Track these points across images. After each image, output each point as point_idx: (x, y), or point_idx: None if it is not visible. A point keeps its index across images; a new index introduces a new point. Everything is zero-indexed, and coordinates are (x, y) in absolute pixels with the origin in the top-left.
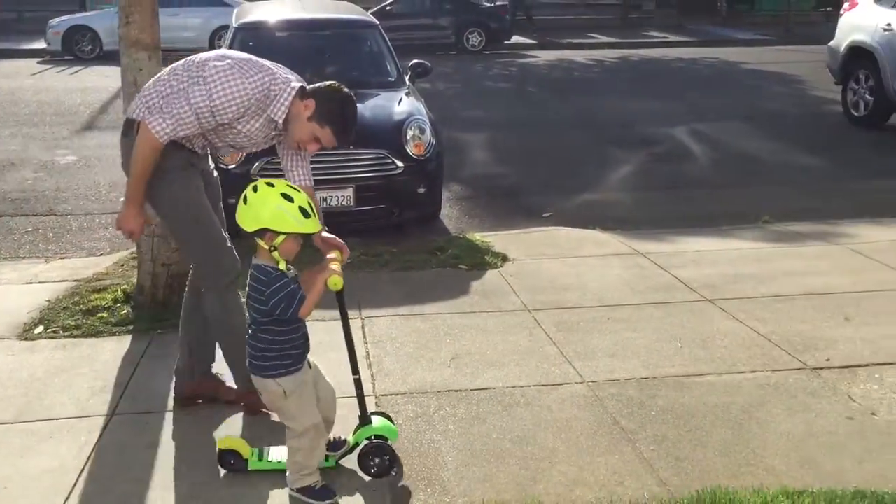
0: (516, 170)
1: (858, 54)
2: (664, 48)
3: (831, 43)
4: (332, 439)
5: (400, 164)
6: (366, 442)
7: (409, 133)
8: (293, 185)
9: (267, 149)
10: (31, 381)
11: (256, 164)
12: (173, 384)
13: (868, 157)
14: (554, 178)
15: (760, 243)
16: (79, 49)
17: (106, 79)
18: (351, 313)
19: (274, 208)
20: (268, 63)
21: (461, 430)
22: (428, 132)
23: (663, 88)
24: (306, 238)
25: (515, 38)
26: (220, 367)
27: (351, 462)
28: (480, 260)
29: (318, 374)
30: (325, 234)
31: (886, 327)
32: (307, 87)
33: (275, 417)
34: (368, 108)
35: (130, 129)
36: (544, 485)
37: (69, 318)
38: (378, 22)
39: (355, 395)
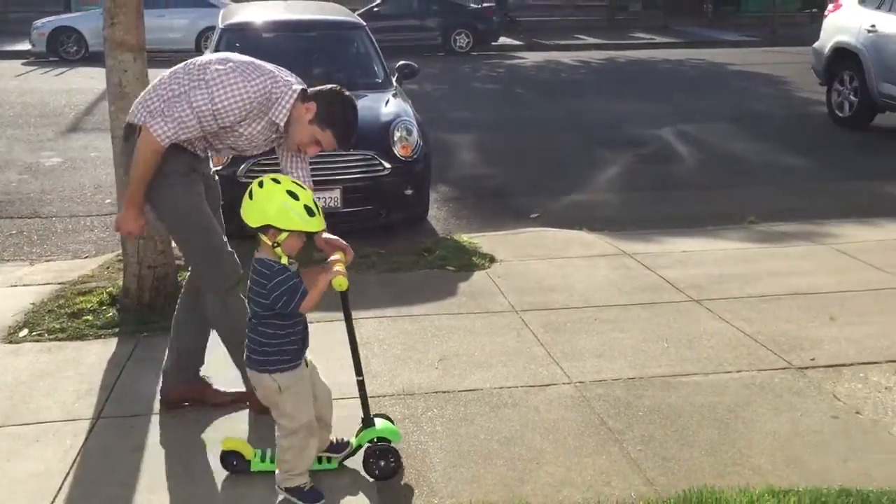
0: (504, 171)
1: (843, 55)
2: (651, 49)
3: (816, 44)
4: (334, 441)
5: (387, 165)
6: (368, 444)
7: (397, 134)
8: (299, 183)
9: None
10: (16, 384)
11: (243, 165)
12: (160, 386)
13: (853, 157)
14: (541, 179)
15: (746, 244)
16: (64, 50)
17: (91, 80)
18: (338, 315)
19: (279, 205)
20: (269, 66)
21: (449, 431)
22: (415, 133)
23: (650, 90)
24: (308, 237)
25: (502, 40)
26: (208, 370)
27: (352, 463)
28: (468, 261)
29: (315, 374)
30: (327, 235)
31: (871, 327)
32: (308, 90)
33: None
34: None
35: (132, 133)
36: (532, 485)
37: (54, 321)
38: (365, 23)
39: (358, 396)
